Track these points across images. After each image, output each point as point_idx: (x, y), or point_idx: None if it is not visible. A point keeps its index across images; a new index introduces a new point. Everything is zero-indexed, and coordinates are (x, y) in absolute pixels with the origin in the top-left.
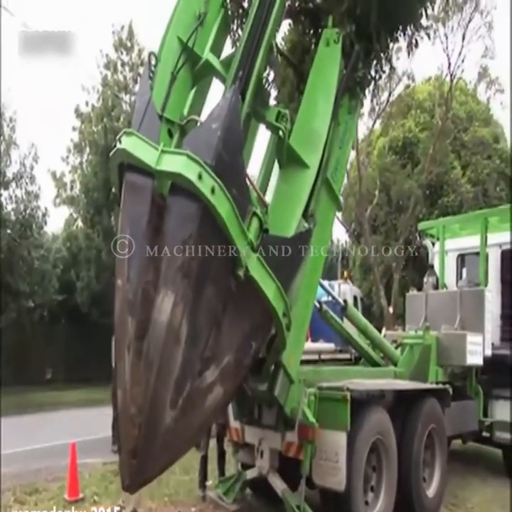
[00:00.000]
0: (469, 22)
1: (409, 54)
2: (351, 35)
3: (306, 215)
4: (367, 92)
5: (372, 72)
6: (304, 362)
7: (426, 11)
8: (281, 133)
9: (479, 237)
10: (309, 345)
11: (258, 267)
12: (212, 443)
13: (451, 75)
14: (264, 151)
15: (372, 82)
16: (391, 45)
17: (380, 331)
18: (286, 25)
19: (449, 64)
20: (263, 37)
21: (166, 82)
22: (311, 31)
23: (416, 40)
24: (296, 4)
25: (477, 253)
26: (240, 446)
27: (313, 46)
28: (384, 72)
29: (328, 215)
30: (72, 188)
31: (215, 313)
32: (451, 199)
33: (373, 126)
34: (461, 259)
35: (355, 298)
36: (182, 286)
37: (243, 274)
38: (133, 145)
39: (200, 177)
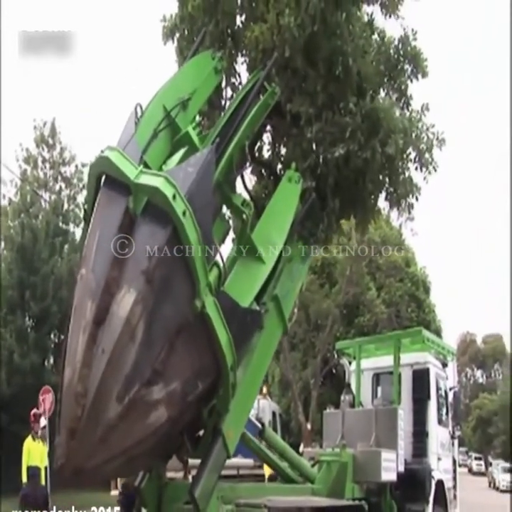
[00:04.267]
0: None
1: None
2: (310, 189)
3: (258, 301)
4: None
5: (323, 230)
6: (222, 477)
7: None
8: (244, 216)
9: (392, 357)
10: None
11: (214, 310)
12: None
13: None
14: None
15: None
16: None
17: (298, 447)
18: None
19: None
20: (241, 125)
21: (148, 134)
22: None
23: (366, 221)
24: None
25: (391, 372)
26: None
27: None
28: (333, 233)
29: (273, 330)
30: None
31: (170, 331)
32: (367, 319)
33: None
34: (376, 378)
35: (274, 414)
36: (144, 289)
37: (200, 308)
38: (115, 157)
39: (174, 197)
